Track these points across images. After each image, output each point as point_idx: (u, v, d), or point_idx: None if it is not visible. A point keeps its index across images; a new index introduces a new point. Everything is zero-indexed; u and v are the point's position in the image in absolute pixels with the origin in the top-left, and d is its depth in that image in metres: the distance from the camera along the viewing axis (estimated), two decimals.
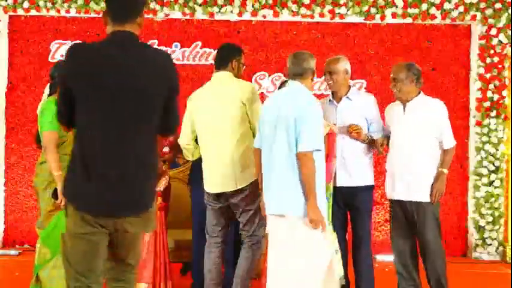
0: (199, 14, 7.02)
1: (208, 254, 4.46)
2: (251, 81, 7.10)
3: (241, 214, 4.39)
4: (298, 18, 7.06)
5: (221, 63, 4.46)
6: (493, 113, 6.91)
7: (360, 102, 4.71)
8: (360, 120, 4.64)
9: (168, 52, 7.09)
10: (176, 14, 7.04)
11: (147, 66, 2.95)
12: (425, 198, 4.49)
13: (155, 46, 7.11)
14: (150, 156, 3.01)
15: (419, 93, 4.55)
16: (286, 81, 4.64)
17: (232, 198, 4.36)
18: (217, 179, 4.36)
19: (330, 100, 4.80)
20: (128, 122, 2.90)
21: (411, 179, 4.49)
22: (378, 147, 4.66)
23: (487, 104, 6.91)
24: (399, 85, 4.49)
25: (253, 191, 4.30)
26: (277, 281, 3.90)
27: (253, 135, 4.26)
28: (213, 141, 4.34)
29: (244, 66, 4.57)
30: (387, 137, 4.68)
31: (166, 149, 4.74)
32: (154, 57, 3.02)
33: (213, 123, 4.35)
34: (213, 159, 4.36)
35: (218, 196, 4.41)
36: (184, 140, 4.48)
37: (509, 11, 6.90)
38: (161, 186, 4.73)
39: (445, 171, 4.50)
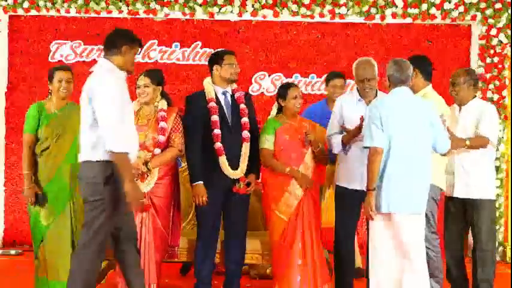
0: (199, 14, 7.02)
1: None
2: (251, 81, 7.11)
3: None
4: (298, 18, 7.06)
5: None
6: None
7: None
8: None
9: (168, 52, 7.17)
10: (176, 14, 7.04)
11: None
12: (484, 195, 4.65)
13: (155, 46, 7.13)
14: None
15: (474, 97, 4.73)
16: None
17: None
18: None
19: (359, 99, 4.79)
20: None
21: (469, 177, 4.65)
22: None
23: None
24: (457, 89, 4.70)
25: None
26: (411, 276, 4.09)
27: None
28: None
29: None
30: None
31: (158, 151, 4.67)
32: None
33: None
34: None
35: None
36: None
37: (509, 11, 6.90)
38: (145, 187, 4.58)
39: (468, 142, 4.61)
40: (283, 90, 4.83)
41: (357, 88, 4.82)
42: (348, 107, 4.79)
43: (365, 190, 4.16)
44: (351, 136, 4.64)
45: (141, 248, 4.58)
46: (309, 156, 4.77)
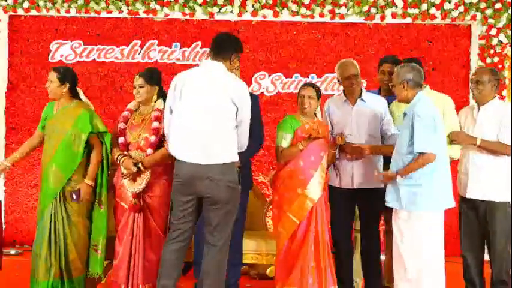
0: (199, 14, 7.02)
1: None
2: (251, 82, 7.12)
3: None
4: (298, 18, 7.06)
5: None
6: None
7: (374, 104, 4.88)
8: (375, 121, 4.83)
9: (168, 52, 7.18)
10: (176, 14, 7.04)
11: None
12: (498, 197, 4.62)
13: (155, 46, 7.14)
14: None
15: (494, 97, 4.71)
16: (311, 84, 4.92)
17: None
18: None
19: (344, 100, 4.93)
20: None
21: (484, 178, 4.62)
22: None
23: None
24: (481, 87, 4.64)
25: None
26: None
27: None
28: None
29: None
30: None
31: (150, 151, 4.59)
32: None
33: None
34: None
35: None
36: None
37: (509, 11, 6.91)
38: (136, 187, 4.59)
39: (479, 142, 4.61)
40: (300, 89, 4.89)
41: (343, 90, 4.97)
42: (335, 108, 4.96)
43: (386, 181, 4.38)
44: (352, 155, 4.80)
45: (133, 248, 4.58)
46: (325, 159, 4.77)
